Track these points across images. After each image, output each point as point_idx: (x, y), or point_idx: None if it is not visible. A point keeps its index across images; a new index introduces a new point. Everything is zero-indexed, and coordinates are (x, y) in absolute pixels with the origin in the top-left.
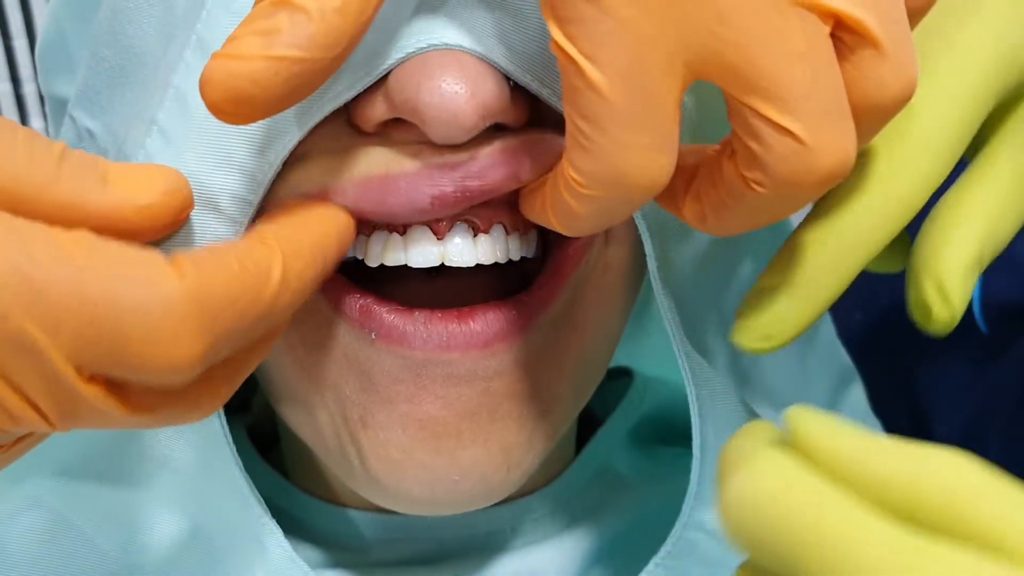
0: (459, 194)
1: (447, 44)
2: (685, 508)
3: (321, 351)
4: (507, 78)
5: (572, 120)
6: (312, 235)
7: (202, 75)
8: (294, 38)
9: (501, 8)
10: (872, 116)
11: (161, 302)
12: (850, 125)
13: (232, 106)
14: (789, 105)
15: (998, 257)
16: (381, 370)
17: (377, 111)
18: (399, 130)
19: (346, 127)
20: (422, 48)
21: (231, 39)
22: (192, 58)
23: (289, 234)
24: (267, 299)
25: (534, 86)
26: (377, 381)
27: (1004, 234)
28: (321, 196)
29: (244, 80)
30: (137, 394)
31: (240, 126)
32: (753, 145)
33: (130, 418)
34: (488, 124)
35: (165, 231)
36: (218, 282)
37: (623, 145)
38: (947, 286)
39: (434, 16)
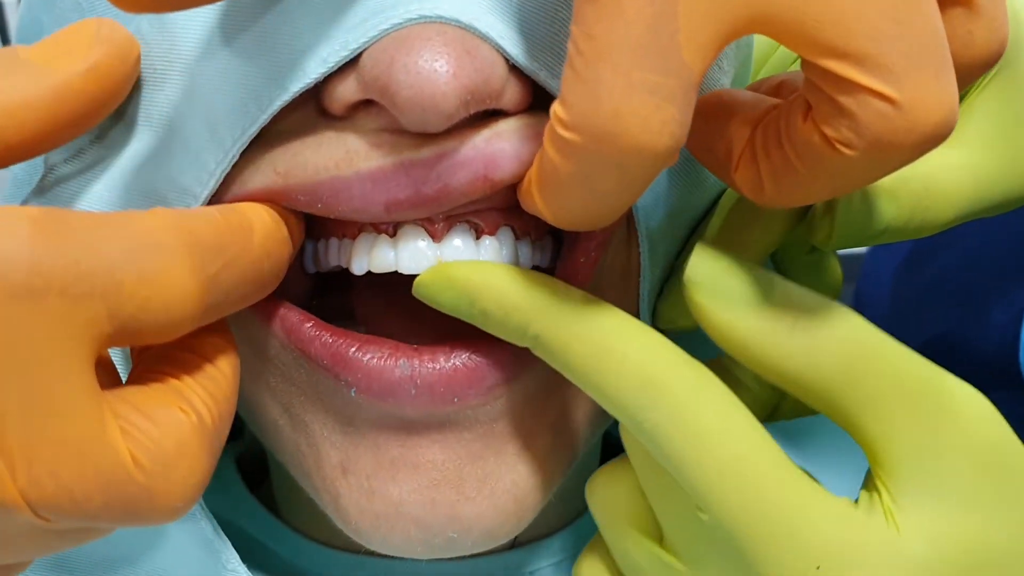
0: (414, 200)
1: (440, 16)
2: None
3: (293, 389)
4: (505, 58)
5: (575, 43)
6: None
7: None
8: None
9: None
10: (957, 76)
11: (145, 242)
12: (951, 74)
13: None
14: (871, 61)
15: None
16: (365, 418)
17: (348, 91)
18: (369, 115)
19: (315, 111)
20: (411, 20)
21: None
22: (149, 31)
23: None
24: (254, 252)
25: (542, 75)
26: (360, 427)
27: (934, 192)
28: (270, 198)
29: None
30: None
31: (196, 105)
32: (840, 100)
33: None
34: (474, 111)
35: (125, 84)
36: (203, 228)
37: (626, 78)
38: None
39: None
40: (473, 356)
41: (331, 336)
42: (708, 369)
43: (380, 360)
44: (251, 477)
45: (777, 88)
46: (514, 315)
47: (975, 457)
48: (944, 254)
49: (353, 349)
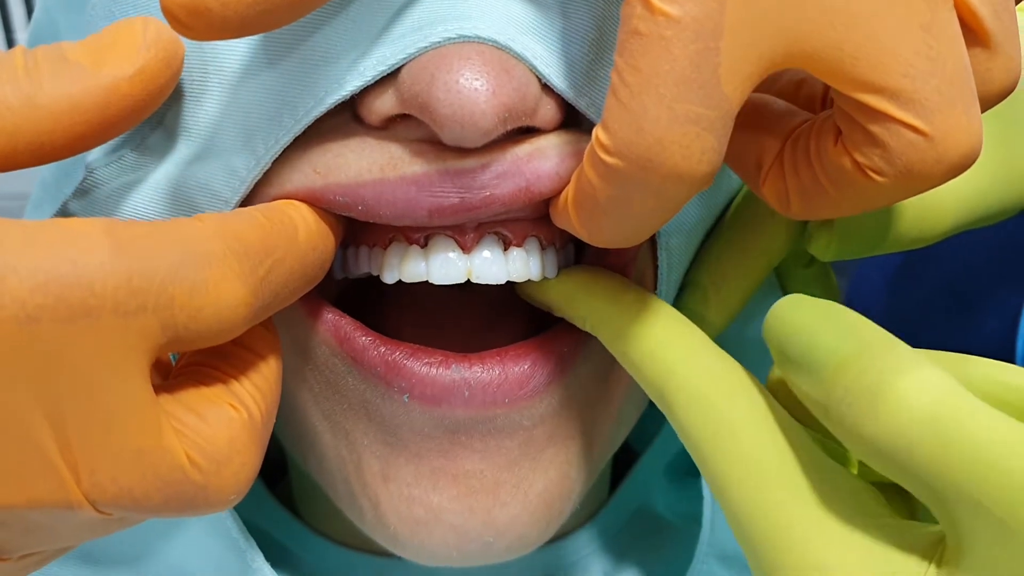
0: (459, 207)
1: (479, 36)
2: (701, 542)
3: (336, 397)
4: (539, 77)
5: (620, 74)
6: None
7: None
8: None
9: (542, 4)
10: None
11: (193, 252)
12: (977, 107)
13: (187, 15)
14: (905, 95)
15: None
16: (411, 428)
17: (386, 104)
18: (407, 126)
19: (351, 121)
20: (450, 39)
21: None
22: (190, 41)
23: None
24: (300, 247)
25: (572, 95)
26: (404, 437)
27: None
28: (307, 199)
29: None
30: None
31: (231, 115)
32: (873, 129)
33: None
34: (510, 127)
35: (169, 87)
36: (249, 230)
37: (669, 109)
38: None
39: (466, 6)
40: (521, 361)
41: (384, 346)
42: (742, 371)
43: (432, 367)
44: (267, 475)
45: (798, 85)
46: (575, 311)
47: None
48: (938, 264)
49: (407, 358)
